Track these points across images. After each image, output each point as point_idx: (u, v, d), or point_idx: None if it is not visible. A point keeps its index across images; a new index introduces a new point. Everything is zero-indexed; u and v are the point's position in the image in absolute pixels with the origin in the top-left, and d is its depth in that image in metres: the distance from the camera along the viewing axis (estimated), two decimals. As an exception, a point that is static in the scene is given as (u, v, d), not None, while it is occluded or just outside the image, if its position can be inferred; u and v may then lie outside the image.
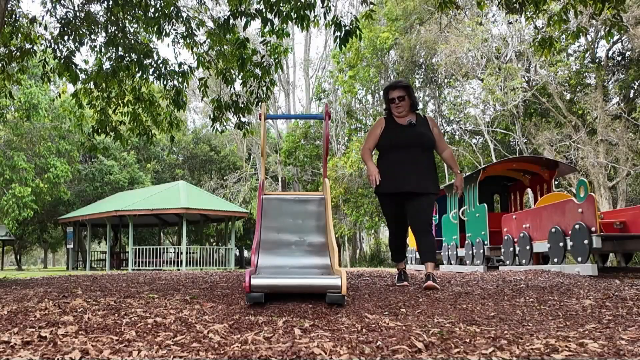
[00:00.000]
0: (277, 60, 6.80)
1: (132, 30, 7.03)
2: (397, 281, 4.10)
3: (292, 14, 5.65)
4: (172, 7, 6.47)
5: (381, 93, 24.75)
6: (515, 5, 5.44)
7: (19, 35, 6.75)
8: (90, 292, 3.63)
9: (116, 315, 2.39)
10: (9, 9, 6.26)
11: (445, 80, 20.92)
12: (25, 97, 19.17)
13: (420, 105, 23.64)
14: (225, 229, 22.24)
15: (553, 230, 6.19)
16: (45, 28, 6.93)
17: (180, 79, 7.22)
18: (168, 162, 31.45)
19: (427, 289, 3.57)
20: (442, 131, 22.07)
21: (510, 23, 16.47)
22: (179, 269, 16.84)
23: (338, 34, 5.64)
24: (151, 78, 7.12)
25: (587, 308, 2.78)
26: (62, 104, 11.85)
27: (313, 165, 24.77)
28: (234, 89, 7.17)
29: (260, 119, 4.19)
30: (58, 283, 4.73)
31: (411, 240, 12.51)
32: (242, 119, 7.35)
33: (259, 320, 2.29)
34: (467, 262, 8.66)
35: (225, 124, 7.32)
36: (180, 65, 7.25)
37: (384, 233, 35.44)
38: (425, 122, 3.95)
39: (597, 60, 17.70)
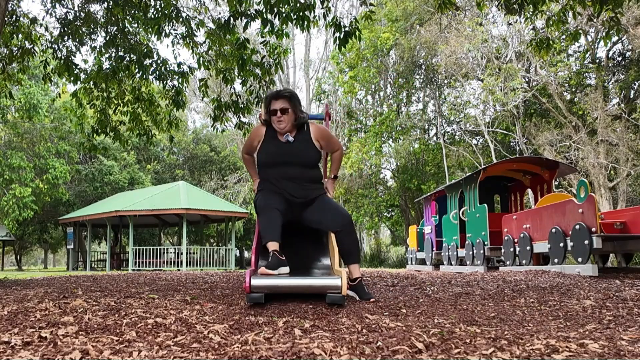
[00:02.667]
0: (276, 61, 6.80)
1: (132, 30, 7.04)
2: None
3: (291, 14, 5.66)
4: (172, 8, 6.47)
5: (381, 94, 24.70)
6: (514, 6, 5.44)
7: (20, 35, 6.76)
8: (91, 293, 3.63)
9: (116, 315, 2.39)
10: (10, 9, 6.26)
11: (446, 81, 20.92)
12: (25, 97, 19.19)
13: (420, 106, 23.65)
14: (226, 229, 22.24)
15: (553, 230, 6.19)
16: (46, 28, 6.94)
17: (180, 79, 7.24)
18: (168, 162, 31.45)
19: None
20: (442, 132, 22.04)
21: (510, 24, 16.47)
22: (179, 270, 16.84)
23: (338, 35, 5.65)
24: (151, 78, 7.13)
25: (587, 308, 2.78)
26: (63, 105, 11.90)
27: (313, 166, 24.73)
28: (234, 89, 7.19)
29: (260, 120, 4.20)
30: (58, 283, 4.73)
31: (411, 240, 12.52)
32: (243, 119, 7.36)
33: (259, 320, 2.29)
34: (468, 262, 8.66)
35: (225, 123, 7.33)
36: (179, 65, 7.27)
37: (385, 233, 35.44)
38: (308, 135, 3.38)
39: (597, 60, 17.70)
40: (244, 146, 3.61)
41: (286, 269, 3.06)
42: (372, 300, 3.17)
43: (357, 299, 3.21)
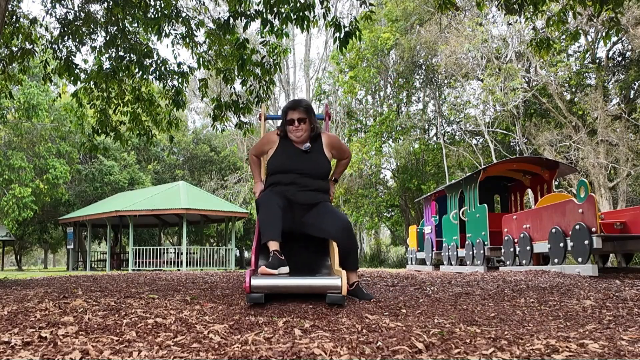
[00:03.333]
0: (276, 61, 6.81)
1: (132, 30, 7.04)
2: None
3: (291, 15, 5.66)
4: (172, 8, 6.48)
5: (381, 94, 24.64)
6: (514, 6, 5.44)
7: (20, 35, 6.76)
8: (91, 293, 3.63)
9: (116, 315, 2.39)
10: (10, 9, 6.26)
11: (446, 81, 20.92)
12: (25, 97, 19.19)
13: (420, 106, 23.67)
14: (226, 229, 22.24)
15: (553, 230, 6.19)
16: (46, 29, 6.94)
17: (180, 79, 7.24)
18: (168, 162, 31.45)
19: None
20: (442, 132, 22.04)
21: (510, 24, 16.47)
22: (179, 270, 16.84)
23: (338, 35, 5.65)
24: (151, 78, 7.14)
25: (587, 308, 2.78)
26: (65, 105, 11.92)
27: (313, 166, 24.73)
28: (234, 88, 7.19)
29: (260, 120, 4.20)
30: (58, 283, 4.73)
31: (411, 240, 12.52)
32: (243, 119, 7.36)
33: (259, 320, 2.29)
34: (468, 262, 8.66)
35: (225, 123, 7.33)
36: (179, 65, 7.27)
37: (385, 233, 35.45)
38: (320, 145, 3.45)
39: (597, 60, 17.70)
40: (253, 147, 3.63)
41: (286, 269, 3.06)
42: (372, 300, 3.17)
43: (358, 300, 3.22)
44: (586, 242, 5.49)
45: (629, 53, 17.66)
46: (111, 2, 6.44)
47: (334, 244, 3.29)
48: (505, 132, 19.19)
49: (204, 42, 6.98)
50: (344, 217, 3.33)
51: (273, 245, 3.11)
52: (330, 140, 3.48)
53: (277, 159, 3.40)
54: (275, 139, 3.45)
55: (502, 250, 7.66)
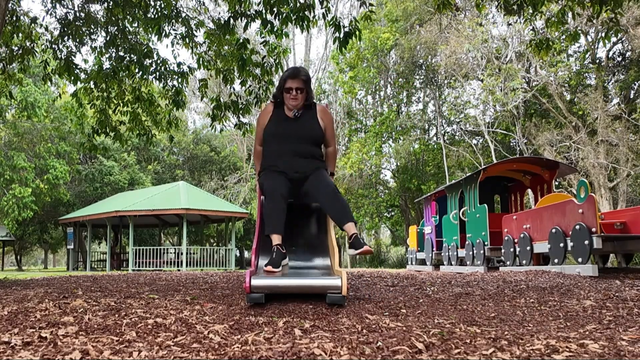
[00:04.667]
0: (276, 61, 6.81)
1: (132, 30, 7.05)
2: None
3: (291, 15, 5.66)
4: (172, 8, 6.48)
5: (381, 94, 24.56)
6: (513, 7, 5.44)
7: (20, 34, 6.76)
8: (91, 293, 3.63)
9: (116, 315, 2.39)
10: (10, 8, 6.26)
11: (446, 81, 20.92)
12: (22, 95, 19.14)
13: (420, 106, 23.68)
14: (226, 229, 22.24)
15: (553, 230, 6.19)
16: (46, 29, 6.95)
17: (179, 79, 7.24)
18: (168, 162, 31.44)
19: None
20: (442, 132, 22.04)
21: (510, 24, 16.48)
22: (179, 270, 16.84)
23: (338, 35, 5.65)
24: (151, 78, 7.14)
25: (587, 309, 2.78)
26: (65, 105, 11.88)
27: (313, 166, 24.71)
28: (234, 89, 7.19)
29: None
30: (58, 283, 4.73)
31: (411, 240, 12.52)
32: (242, 120, 7.37)
33: (260, 320, 2.29)
34: (468, 262, 8.66)
35: (224, 123, 7.34)
36: (179, 65, 7.27)
37: (385, 233, 35.42)
38: (314, 113, 3.53)
39: (597, 60, 17.70)
40: (255, 136, 3.68)
41: (286, 260, 3.19)
42: (365, 247, 3.14)
43: (356, 253, 3.21)
44: (586, 242, 5.49)
45: (629, 53, 17.67)
46: (111, 2, 6.44)
47: (334, 243, 3.30)
48: (505, 132, 19.19)
49: (204, 42, 6.99)
50: (331, 183, 3.35)
51: (276, 239, 3.20)
52: (325, 111, 3.58)
53: (271, 126, 3.49)
54: (269, 109, 3.55)
55: (502, 251, 7.66)
